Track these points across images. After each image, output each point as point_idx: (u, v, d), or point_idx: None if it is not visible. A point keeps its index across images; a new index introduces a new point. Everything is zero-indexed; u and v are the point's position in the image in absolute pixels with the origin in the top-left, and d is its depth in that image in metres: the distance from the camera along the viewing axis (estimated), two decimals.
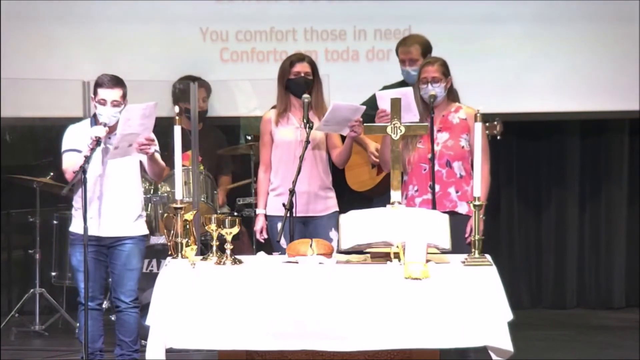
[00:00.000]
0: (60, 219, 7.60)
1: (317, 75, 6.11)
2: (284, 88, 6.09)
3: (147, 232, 6.10)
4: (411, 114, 5.70)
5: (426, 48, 6.74)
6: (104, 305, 7.09)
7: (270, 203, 6.08)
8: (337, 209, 6.06)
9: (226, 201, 7.69)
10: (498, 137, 6.61)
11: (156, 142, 5.75)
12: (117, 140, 5.60)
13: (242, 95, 8.11)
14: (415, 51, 6.71)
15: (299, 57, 6.12)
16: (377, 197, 6.67)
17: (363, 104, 6.20)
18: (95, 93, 5.84)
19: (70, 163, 5.87)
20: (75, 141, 5.90)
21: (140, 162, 5.97)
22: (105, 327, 6.61)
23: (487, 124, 6.57)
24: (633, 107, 8.13)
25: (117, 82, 5.83)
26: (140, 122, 5.57)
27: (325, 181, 6.12)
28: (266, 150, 6.15)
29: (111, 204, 5.89)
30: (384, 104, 5.60)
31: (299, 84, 6.02)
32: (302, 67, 6.06)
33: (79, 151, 5.84)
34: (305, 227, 6.02)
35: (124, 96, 5.83)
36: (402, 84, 6.78)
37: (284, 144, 6.07)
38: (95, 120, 5.93)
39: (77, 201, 5.96)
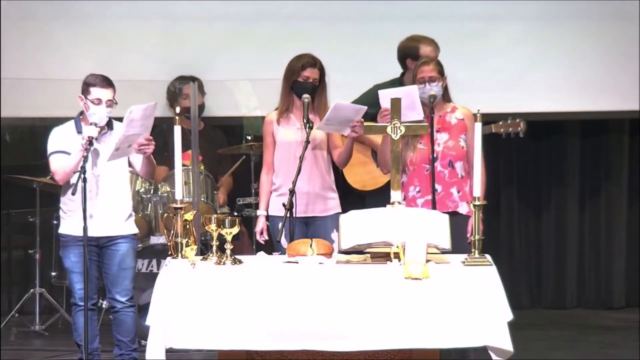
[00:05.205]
0: (61, 219, 7.60)
1: (323, 80, 6.09)
2: (289, 88, 6.08)
3: (137, 230, 6.14)
4: (415, 112, 5.69)
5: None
6: (103, 305, 7.10)
7: (272, 203, 6.07)
8: (340, 210, 6.02)
9: (227, 201, 7.69)
10: (521, 135, 6.76)
11: (153, 142, 5.77)
12: (120, 141, 5.61)
13: (242, 95, 8.11)
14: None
15: (311, 62, 6.05)
16: (377, 195, 6.66)
17: (357, 101, 6.21)
18: (86, 92, 5.84)
19: (59, 164, 5.88)
20: (62, 143, 5.92)
21: (129, 160, 5.98)
22: (104, 326, 6.63)
23: (509, 121, 6.72)
24: (633, 107, 8.13)
25: (109, 82, 5.87)
26: (141, 122, 5.59)
27: (327, 181, 6.11)
28: (268, 152, 6.14)
29: (103, 204, 5.90)
30: (387, 102, 5.59)
31: (305, 89, 5.99)
32: (311, 73, 6.02)
33: (67, 153, 5.86)
34: (306, 228, 6.02)
35: (114, 96, 5.86)
36: (393, 82, 6.82)
37: (285, 145, 6.06)
38: (80, 120, 5.94)
39: (65, 203, 5.97)
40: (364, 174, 6.92)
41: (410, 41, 7.00)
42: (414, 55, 6.88)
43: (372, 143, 6.69)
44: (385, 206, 5.18)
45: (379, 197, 6.32)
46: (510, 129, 6.94)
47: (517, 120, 6.89)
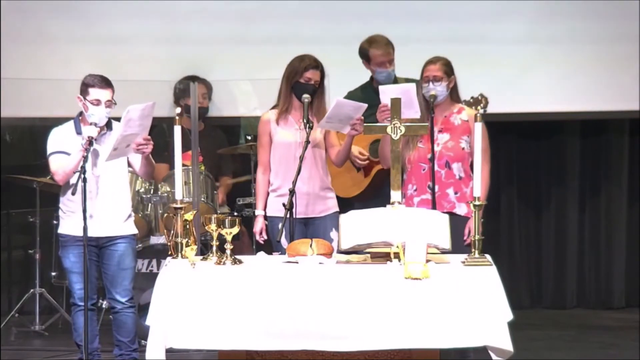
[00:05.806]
0: (60, 219, 7.60)
1: (323, 82, 6.08)
2: (289, 88, 6.07)
3: (136, 231, 6.15)
4: (412, 110, 5.68)
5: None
6: (103, 305, 7.10)
7: (271, 204, 6.06)
8: (337, 209, 6.04)
9: (226, 200, 7.70)
10: (485, 111, 6.55)
11: (152, 142, 5.76)
12: (118, 141, 5.60)
13: (242, 95, 8.11)
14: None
15: (314, 64, 6.02)
16: (366, 200, 6.59)
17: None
18: (85, 93, 5.85)
19: (59, 165, 5.89)
20: (62, 143, 5.92)
21: (128, 161, 5.98)
22: (104, 326, 6.63)
23: (471, 100, 6.55)
24: (633, 107, 8.13)
25: (108, 82, 5.87)
26: (139, 122, 5.58)
27: (325, 182, 6.11)
28: (264, 152, 6.13)
29: (103, 204, 5.90)
30: (387, 99, 5.57)
31: (306, 90, 5.97)
32: (313, 75, 6.00)
33: (66, 153, 5.86)
34: (305, 228, 6.01)
35: (113, 96, 5.86)
36: (364, 87, 6.80)
37: (284, 145, 6.05)
38: (80, 121, 5.94)
39: (65, 203, 5.97)
40: (346, 182, 6.84)
41: (364, 42, 6.88)
42: (365, 57, 6.82)
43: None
44: (385, 206, 5.18)
45: (364, 203, 6.29)
46: (472, 107, 6.69)
47: (479, 96, 6.40)
